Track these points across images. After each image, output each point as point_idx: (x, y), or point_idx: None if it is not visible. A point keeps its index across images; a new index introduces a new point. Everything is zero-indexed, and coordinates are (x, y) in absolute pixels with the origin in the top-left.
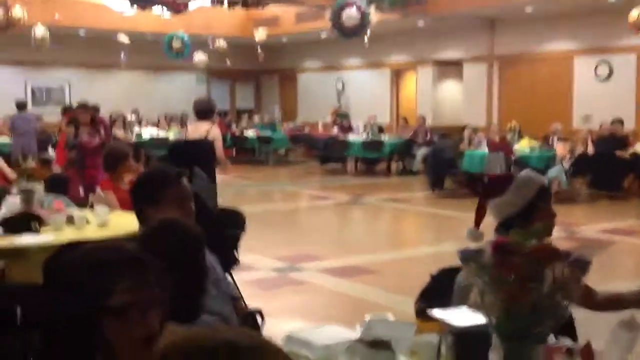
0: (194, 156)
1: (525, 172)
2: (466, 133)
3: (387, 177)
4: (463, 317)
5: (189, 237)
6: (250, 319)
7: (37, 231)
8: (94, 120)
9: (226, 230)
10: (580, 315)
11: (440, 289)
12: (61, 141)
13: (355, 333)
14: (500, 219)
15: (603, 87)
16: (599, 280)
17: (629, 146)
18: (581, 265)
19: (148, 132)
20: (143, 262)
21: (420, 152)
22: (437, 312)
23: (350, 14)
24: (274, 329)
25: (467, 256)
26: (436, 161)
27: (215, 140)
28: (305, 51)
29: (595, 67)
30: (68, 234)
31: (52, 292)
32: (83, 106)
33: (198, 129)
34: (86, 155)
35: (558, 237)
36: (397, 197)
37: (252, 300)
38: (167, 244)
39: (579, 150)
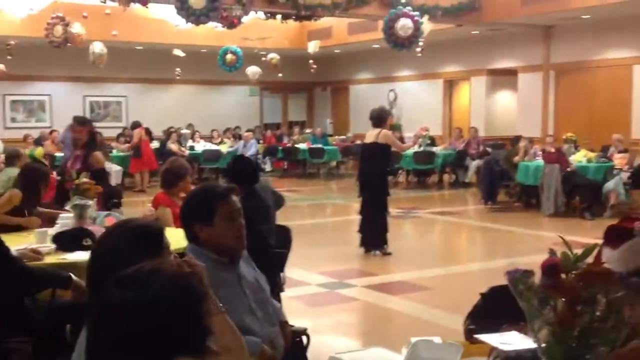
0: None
1: None
2: (522, 144)
3: (439, 190)
4: (512, 341)
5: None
6: (296, 339)
7: (88, 248)
8: (92, 141)
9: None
10: None
11: (490, 309)
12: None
13: (400, 357)
14: (631, 269)
15: None
16: None
17: None
18: (637, 288)
19: (201, 146)
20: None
21: (473, 163)
22: (484, 337)
23: (404, 25)
24: (320, 347)
25: (515, 277)
26: (490, 173)
27: (387, 141)
28: (357, 63)
29: None
30: None
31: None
32: (78, 120)
33: (371, 135)
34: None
35: None
36: (449, 210)
37: (298, 316)
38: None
39: (638, 161)
